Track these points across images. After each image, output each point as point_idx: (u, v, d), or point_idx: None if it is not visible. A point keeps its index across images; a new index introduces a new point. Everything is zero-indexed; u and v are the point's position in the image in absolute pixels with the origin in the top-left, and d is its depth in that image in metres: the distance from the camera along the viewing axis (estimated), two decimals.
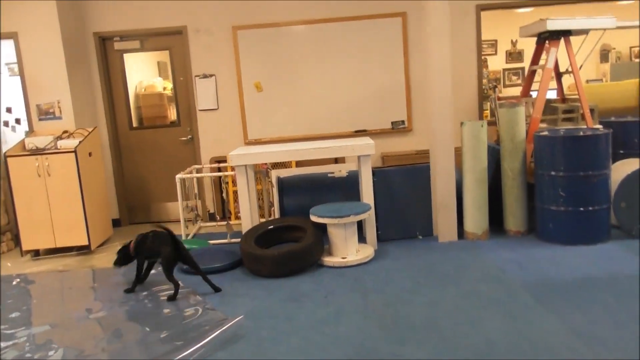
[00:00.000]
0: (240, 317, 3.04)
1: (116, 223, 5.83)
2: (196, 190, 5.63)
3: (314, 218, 4.06)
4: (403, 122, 5.64)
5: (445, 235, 4.40)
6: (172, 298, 3.52)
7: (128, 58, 5.81)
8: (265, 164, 4.98)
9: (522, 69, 7.82)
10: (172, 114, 5.95)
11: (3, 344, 3.06)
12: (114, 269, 4.16)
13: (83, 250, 4.88)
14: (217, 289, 3.64)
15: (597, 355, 2.45)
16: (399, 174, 4.49)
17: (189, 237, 5.02)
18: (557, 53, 4.51)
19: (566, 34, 4.44)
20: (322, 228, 4.14)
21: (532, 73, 4.87)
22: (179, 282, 3.63)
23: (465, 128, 4.23)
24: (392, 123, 5.64)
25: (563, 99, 4.88)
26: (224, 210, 5.72)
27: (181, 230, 4.84)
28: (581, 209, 3.98)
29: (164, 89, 6.13)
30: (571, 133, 4.07)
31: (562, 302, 3.05)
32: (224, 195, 5.17)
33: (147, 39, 5.73)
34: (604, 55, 7.92)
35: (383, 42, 5.53)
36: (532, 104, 4.53)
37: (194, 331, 3.00)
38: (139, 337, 3.00)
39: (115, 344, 2.95)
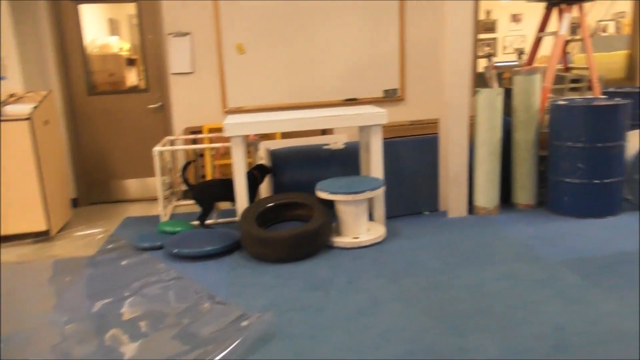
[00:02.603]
0: (266, 314, 2.62)
1: (73, 203, 5.15)
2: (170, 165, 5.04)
3: (323, 194, 3.65)
4: (396, 90, 5.29)
5: (455, 210, 4.13)
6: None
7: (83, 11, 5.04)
8: (255, 135, 4.48)
9: (494, 39, 7.66)
10: (131, 80, 5.26)
11: None
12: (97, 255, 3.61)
13: (41, 236, 4.18)
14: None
15: None
16: (406, 146, 4.15)
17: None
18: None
19: None
20: (329, 205, 3.74)
21: (539, 41, 4.63)
22: None
23: (481, 96, 3.94)
24: (384, 91, 5.27)
25: (567, 68, 4.70)
26: None
27: (160, 211, 4.27)
28: (597, 181, 3.82)
29: (120, 49, 5.41)
30: (588, 103, 3.88)
31: (611, 279, 2.85)
32: (211, 168, 4.63)
33: None
34: (573, 29, 7.91)
35: (378, 4, 5.10)
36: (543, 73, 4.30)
37: (211, 332, 2.54)
38: (134, 345, 2.51)
39: (95, 355, 2.45)
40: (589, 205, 3.86)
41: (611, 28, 7.97)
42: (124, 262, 3.58)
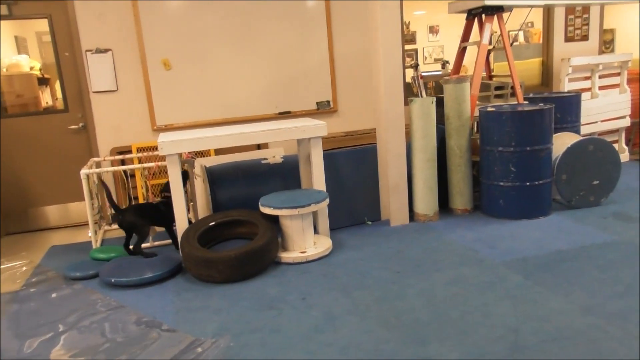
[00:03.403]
0: (220, 338, 2.48)
1: None
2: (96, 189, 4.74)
3: (266, 210, 3.56)
4: (329, 102, 5.31)
5: (397, 218, 4.18)
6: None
7: None
8: (190, 152, 4.32)
9: (415, 50, 7.94)
10: (45, 100, 4.92)
11: None
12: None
13: None
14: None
15: (625, 330, 2.37)
16: (346, 157, 4.16)
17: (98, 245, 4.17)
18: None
19: (499, 9, 4.44)
20: (274, 221, 3.66)
21: (463, 50, 4.83)
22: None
23: (415, 105, 4.03)
24: (317, 103, 5.28)
25: (490, 76, 4.92)
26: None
27: (91, 237, 3.99)
28: (528, 183, 4.01)
29: (32, 68, 5.05)
30: (516, 109, 4.07)
31: (552, 278, 2.98)
32: (143, 190, 4.39)
33: (17, 4, 4.64)
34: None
35: (305, 18, 5.11)
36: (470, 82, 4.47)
37: None
38: None
39: None
40: (522, 207, 4.04)
41: (521, 37, 8.52)
42: (54, 295, 3.29)
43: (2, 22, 4.68)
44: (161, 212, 3.79)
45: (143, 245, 3.77)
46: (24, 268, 3.85)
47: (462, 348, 2.32)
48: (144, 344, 2.56)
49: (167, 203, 3.79)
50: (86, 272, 3.53)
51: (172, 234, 3.92)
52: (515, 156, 3.97)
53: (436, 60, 8.42)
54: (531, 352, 2.23)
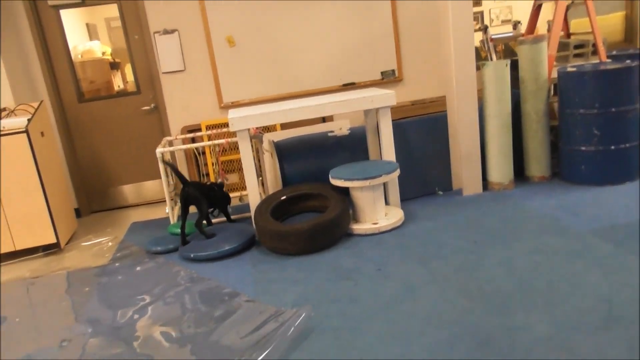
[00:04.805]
0: (302, 308, 2.51)
1: (76, 213, 4.99)
2: None
3: (337, 182, 3.54)
4: (393, 71, 5.18)
5: (470, 188, 4.05)
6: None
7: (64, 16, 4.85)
8: (258, 127, 4.36)
9: (481, 13, 7.58)
10: (118, 83, 5.09)
11: None
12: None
13: (50, 249, 4.04)
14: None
15: None
16: (415, 126, 4.05)
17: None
18: None
19: None
20: (344, 193, 3.64)
21: (538, 8, 4.54)
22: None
23: (488, 69, 3.85)
24: (381, 73, 5.16)
25: (568, 34, 4.62)
26: None
27: (168, 213, 4.14)
28: (613, 147, 3.76)
29: (104, 53, 5.23)
30: (599, 67, 3.80)
31: None
32: (214, 167, 4.49)
33: None
34: None
35: None
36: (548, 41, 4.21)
37: (248, 331, 2.43)
38: (173, 350, 2.39)
39: None
40: (607, 173, 3.80)
41: None
42: (138, 268, 3.45)
43: (74, 9, 4.86)
44: (215, 192, 3.87)
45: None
46: (110, 243, 4.06)
47: (551, 319, 2.23)
48: (228, 314, 2.63)
49: (220, 185, 3.91)
50: (166, 247, 3.67)
51: (226, 213, 4.01)
52: (599, 118, 3.72)
53: (504, 22, 8.02)
54: (629, 323, 2.11)
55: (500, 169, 4.00)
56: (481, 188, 4.07)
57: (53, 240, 3.97)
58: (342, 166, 3.76)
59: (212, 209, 3.90)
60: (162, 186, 5.24)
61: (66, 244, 4.19)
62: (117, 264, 3.58)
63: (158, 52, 4.86)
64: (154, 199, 5.26)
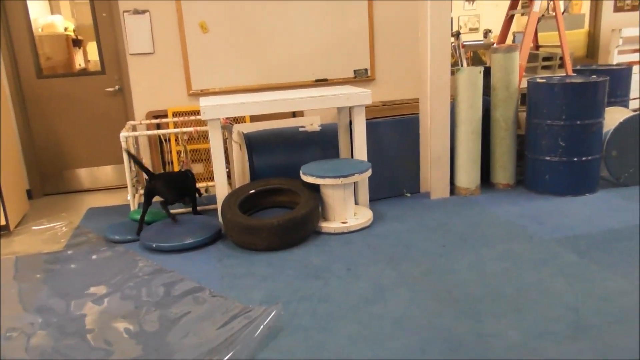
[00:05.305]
0: (272, 306, 2.45)
1: (27, 195, 4.73)
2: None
3: (309, 179, 3.49)
4: (366, 70, 5.16)
5: (437, 191, 4.09)
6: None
7: None
8: (228, 118, 4.25)
9: (450, 19, 7.69)
10: (79, 61, 4.86)
11: None
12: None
13: None
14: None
15: None
16: (387, 127, 4.05)
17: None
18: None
19: None
20: (315, 189, 3.60)
21: (511, 18, 4.63)
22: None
23: (462, 74, 3.88)
24: (354, 71, 5.14)
25: (537, 46, 4.73)
26: None
27: (129, 200, 3.98)
28: (576, 159, 3.87)
29: (66, 29, 4.98)
30: (568, 80, 3.90)
31: (608, 257, 2.88)
32: (180, 155, 4.34)
33: None
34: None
35: None
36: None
37: (216, 328, 2.35)
38: (130, 346, 2.29)
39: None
40: (569, 183, 3.91)
41: (561, 7, 8.19)
42: (95, 257, 3.30)
43: None
44: (189, 179, 3.73)
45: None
46: (64, 229, 3.86)
47: (520, 326, 2.26)
48: (193, 309, 2.54)
49: (192, 173, 3.77)
50: (126, 235, 3.52)
51: (194, 204, 3.87)
52: (565, 130, 3.82)
53: (471, 30, 8.17)
54: (596, 333, 2.16)
55: (468, 175, 4.05)
56: (448, 192, 4.11)
57: (2, 222, 3.74)
58: (314, 162, 3.71)
59: (183, 198, 3.71)
60: (120, 172, 5.04)
61: (16, 227, 3.96)
62: (71, 251, 3.41)
63: (127, 32, 4.66)
64: (112, 184, 5.06)
